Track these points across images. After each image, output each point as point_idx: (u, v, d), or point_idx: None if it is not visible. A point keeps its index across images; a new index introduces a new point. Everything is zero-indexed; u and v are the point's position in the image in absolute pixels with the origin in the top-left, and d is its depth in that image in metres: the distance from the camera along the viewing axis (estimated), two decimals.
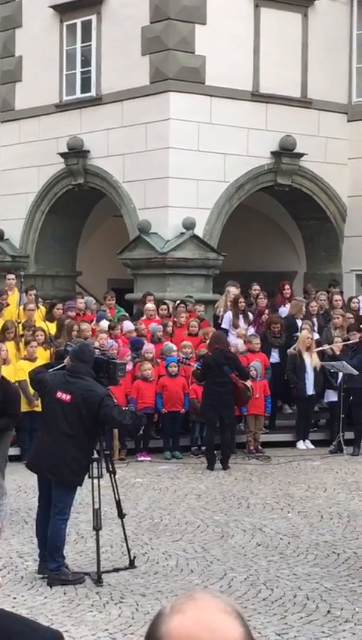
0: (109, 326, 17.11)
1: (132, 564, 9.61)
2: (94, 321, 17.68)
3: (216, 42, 20.00)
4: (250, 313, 18.30)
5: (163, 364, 16.37)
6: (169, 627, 1.69)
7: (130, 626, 7.92)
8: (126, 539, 9.72)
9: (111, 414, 9.22)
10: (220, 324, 18.19)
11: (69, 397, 9.30)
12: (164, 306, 18.20)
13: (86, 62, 21.70)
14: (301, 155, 20.99)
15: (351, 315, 18.10)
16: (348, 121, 21.70)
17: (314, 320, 18.20)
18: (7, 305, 17.98)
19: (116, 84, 20.69)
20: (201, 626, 1.67)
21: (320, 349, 17.18)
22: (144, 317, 17.82)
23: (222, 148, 20.08)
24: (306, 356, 16.83)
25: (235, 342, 16.82)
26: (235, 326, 17.73)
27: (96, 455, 9.53)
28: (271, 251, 23.11)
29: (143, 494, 13.14)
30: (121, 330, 17.09)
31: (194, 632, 1.67)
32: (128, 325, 17.34)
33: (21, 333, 16.49)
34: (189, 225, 19.55)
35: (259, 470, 15.05)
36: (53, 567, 9.21)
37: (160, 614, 1.74)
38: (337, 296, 18.88)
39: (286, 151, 20.86)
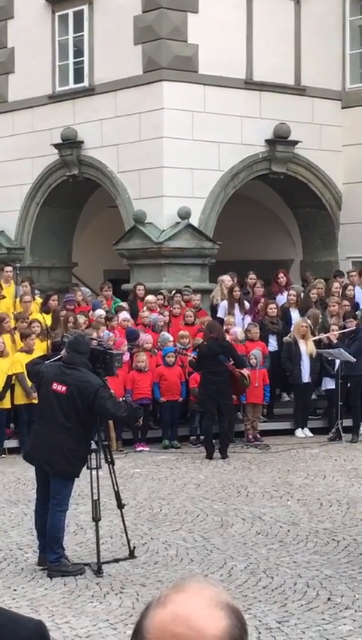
0: (106, 317, 17.07)
1: (132, 555, 9.61)
2: (90, 312, 17.65)
3: (208, 31, 19.93)
4: (246, 302, 18.28)
5: (160, 354, 16.38)
6: (149, 622, 1.73)
7: (131, 616, 7.91)
8: (125, 529, 9.71)
9: (105, 406, 9.19)
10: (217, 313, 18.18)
11: (64, 388, 9.28)
12: (160, 296, 18.17)
13: (78, 52, 21.63)
14: (295, 142, 20.95)
15: (347, 303, 18.09)
16: (342, 108, 21.66)
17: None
18: (4, 297, 17.96)
19: (109, 74, 20.62)
20: (179, 622, 1.70)
21: (317, 337, 17.17)
22: (145, 308, 17.70)
23: (216, 136, 20.02)
24: (301, 344, 16.82)
25: (234, 330, 16.81)
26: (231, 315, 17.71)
27: (94, 446, 9.52)
28: (267, 239, 23.08)
29: (142, 484, 13.13)
30: (118, 321, 17.05)
31: (170, 629, 1.70)
32: (125, 315, 17.30)
33: (14, 325, 16.45)
34: (184, 214, 19.50)
35: (257, 459, 15.05)
36: (52, 559, 9.20)
37: (148, 606, 1.76)
38: (336, 284, 18.85)
39: (280, 139, 20.81)
